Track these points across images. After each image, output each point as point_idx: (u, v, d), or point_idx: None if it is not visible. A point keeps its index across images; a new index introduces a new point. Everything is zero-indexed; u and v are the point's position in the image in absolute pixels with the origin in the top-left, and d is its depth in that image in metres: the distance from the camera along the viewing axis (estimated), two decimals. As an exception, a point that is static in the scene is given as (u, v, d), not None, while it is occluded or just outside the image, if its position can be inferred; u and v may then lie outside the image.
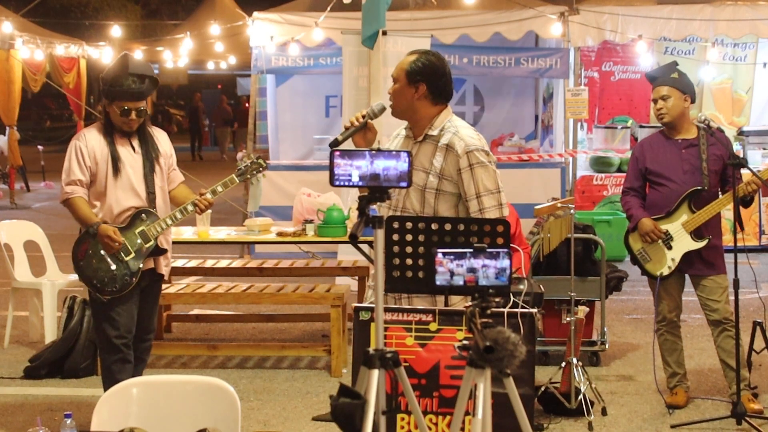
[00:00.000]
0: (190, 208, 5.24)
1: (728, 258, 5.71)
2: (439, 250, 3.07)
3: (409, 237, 3.81)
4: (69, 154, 5.11)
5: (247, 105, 29.15)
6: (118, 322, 5.15)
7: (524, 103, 13.63)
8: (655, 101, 5.81)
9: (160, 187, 5.26)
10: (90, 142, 5.10)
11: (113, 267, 5.10)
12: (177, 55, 16.71)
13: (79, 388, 6.41)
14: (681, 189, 5.69)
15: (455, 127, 4.26)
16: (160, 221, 5.19)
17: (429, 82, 4.25)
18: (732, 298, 5.55)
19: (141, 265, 5.15)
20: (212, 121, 30.17)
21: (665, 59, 10.00)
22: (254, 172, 5.41)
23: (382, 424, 3.18)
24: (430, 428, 4.05)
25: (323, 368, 6.79)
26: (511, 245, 3.79)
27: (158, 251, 5.25)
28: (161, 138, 5.35)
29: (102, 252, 5.09)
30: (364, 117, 4.15)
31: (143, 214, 5.16)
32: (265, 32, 11.27)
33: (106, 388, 5.13)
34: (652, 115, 11.87)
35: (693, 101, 5.83)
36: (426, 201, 4.21)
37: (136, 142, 5.20)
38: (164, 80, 28.57)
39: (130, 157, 5.16)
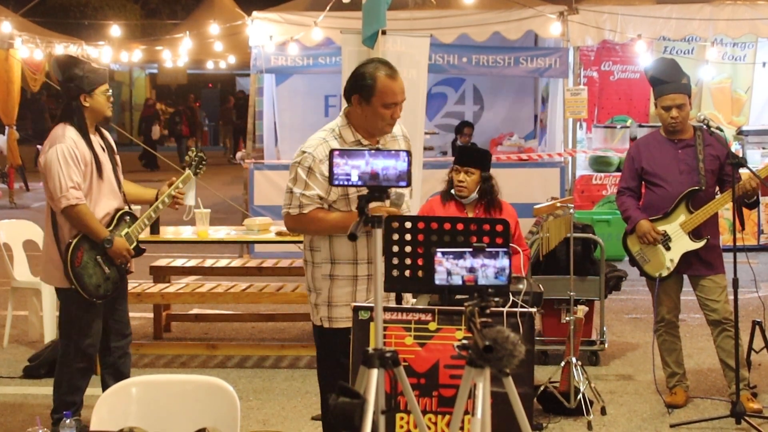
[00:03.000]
0: (161, 206, 5.22)
1: (727, 258, 5.70)
2: (439, 250, 3.07)
3: (408, 237, 3.81)
4: (62, 158, 4.89)
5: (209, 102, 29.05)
6: (92, 329, 5.14)
7: (523, 103, 13.61)
8: (668, 109, 5.64)
9: (122, 184, 5.25)
10: (78, 145, 4.97)
11: (108, 271, 5.09)
12: (176, 55, 16.69)
13: (79, 388, 6.40)
14: (677, 189, 5.68)
15: None
16: (139, 222, 5.18)
17: None
18: (731, 297, 5.56)
19: (128, 267, 5.18)
20: (216, 120, 30.14)
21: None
22: (200, 165, 5.42)
23: (381, 423, 3.18)
24: (429, 428, 4.04)
25: (322, 368, 6.79)
26: (511, 245, 3.79)
27: (140, 251, 5.26)
28: (105, 133, 5.27)
29: (98, 257, 5.05)
30: None
31: (127, 216, 5.14)
32: (264, 32, 11.25)
33: (61, 391, 5.12)
34: (652, 114, 11.86)
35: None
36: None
37: (100, 140, 5.14)
38: (164, 80, 28.56)
39: (103, 156, 5.11)
